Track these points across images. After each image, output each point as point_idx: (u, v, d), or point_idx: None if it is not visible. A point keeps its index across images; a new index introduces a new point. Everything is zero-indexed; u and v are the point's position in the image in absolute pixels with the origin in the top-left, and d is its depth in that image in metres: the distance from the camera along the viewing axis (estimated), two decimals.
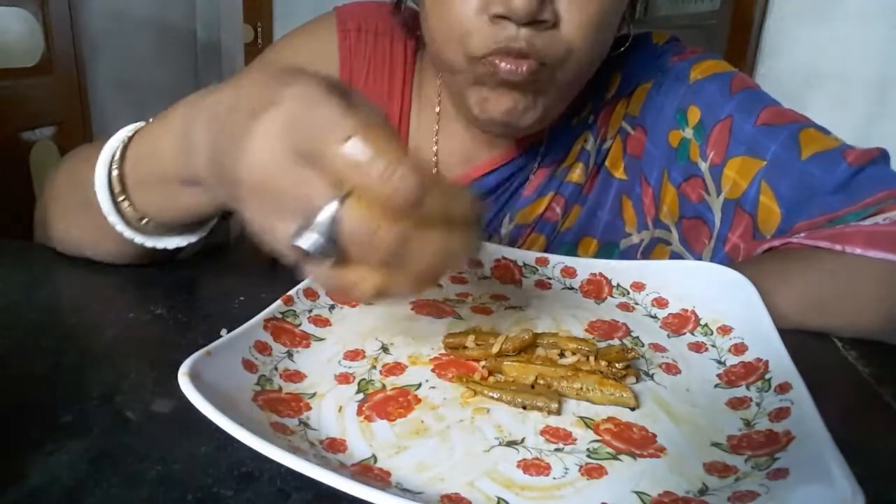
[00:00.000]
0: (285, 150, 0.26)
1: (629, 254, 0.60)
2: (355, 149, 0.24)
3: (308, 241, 0.24)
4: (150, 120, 0.41)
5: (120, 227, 0.41)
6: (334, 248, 0.24)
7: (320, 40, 0.60)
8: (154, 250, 0.44)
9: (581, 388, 0.31)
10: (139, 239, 0.42)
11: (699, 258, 0.55)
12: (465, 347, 0.34)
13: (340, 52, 0.59)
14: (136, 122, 0.42)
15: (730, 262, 0.52)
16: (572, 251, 0.60)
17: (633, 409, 0.30)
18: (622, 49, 0.58)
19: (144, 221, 0.42)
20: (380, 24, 0.60)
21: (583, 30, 0.46)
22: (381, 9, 0.61)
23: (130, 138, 0.41)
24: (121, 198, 0.41)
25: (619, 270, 0.45)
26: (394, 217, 0.24)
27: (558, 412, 0.29)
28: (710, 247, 0.54)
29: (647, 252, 0.59)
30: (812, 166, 0.49)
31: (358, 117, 0.25)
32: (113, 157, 0.41)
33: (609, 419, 0.29)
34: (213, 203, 0.39)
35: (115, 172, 0.40)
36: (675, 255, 0.57)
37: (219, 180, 0.31)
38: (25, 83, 1.75)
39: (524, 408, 0.30)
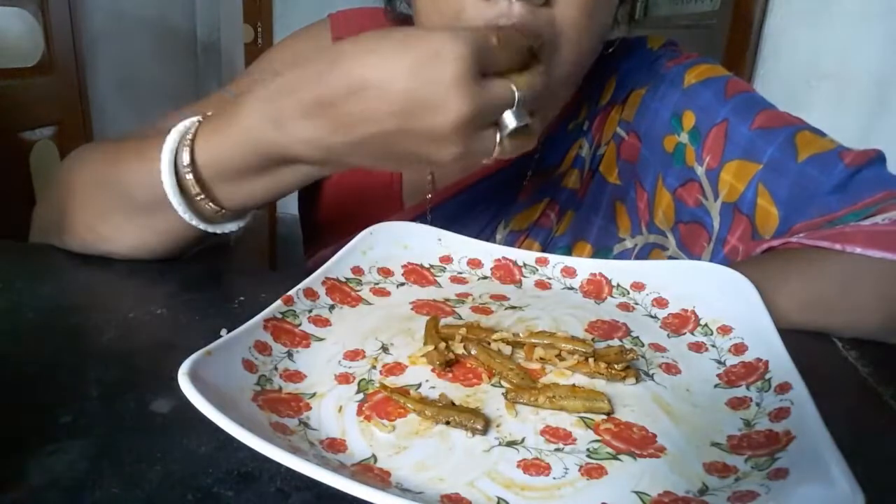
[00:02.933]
0: (472, 79, 0.34)
1: (622, 258, 0.60)
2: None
3: (516, 119, 0.37)
4: (202, 118, 0.43)
5: (195, 222, 0.44)
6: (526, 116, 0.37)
7: (315, 44, 0.60)
8: (193, 242, 0.47)
9: (553, 397, 0.30)
10: (208, 227, 0.45)
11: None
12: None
13: None
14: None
15: (729, 264, 0.52)
16: (566, 255, 0.60)
17: (608, 414, 0.30)
18: (612, 50, 0.58)
19: (222, 213, 0.44)
20: (374, 29, 0.60)
21: (576, 11, 0.45)
22: (374, 14, 0.62)
23: (192, 139, 0.42)
24: (199, 197, 0.42)
25: (619, 270, 0.45)
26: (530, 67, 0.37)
27: (484, 431, 0.28)
28: (708, 250, 0.54)
29: (642, 258, 0.59)
30: (809, 168, 0.49)
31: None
32: (176, 160, 0.42)
33: (609, 419, 0.29)
34: (312, 174, 0.43)
35: (188, 176, 0.42)
36: (672, 260, 0.57)
37: (351, 144, 0.37)
38: (25, 83, 1.76)
39: (447, 424, 0.28)
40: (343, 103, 0.35)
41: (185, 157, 0.41)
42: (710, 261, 0.54)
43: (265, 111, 0.38)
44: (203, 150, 0.42)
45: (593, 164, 0.60)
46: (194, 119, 0.43)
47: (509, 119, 0.36)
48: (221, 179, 0.42)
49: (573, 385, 0.32)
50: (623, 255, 0.60)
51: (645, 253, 0.59)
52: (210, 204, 0.43)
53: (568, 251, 0.60)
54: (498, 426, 0.29)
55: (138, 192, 0.44)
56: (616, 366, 0.32)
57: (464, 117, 0.34)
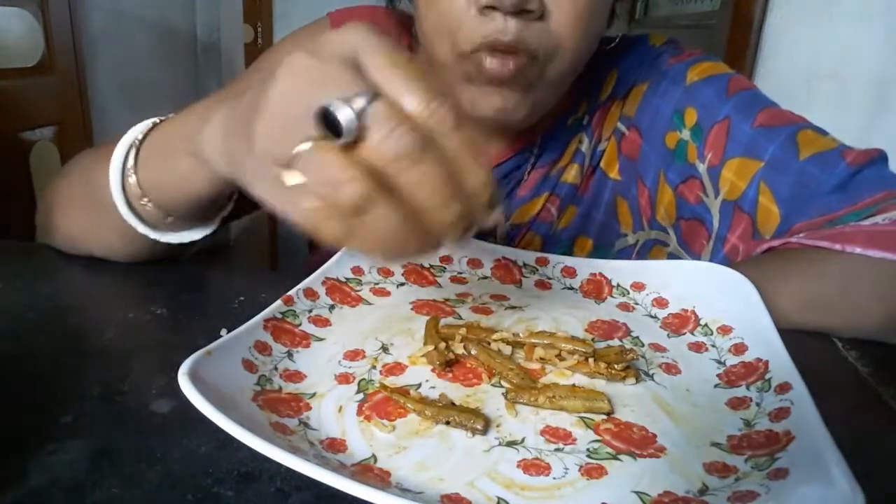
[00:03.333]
0: (332, 53, 0.27)
1: (624, 255, 0.60)
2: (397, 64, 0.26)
3: (343, 112, 0.24)
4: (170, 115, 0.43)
5: (125, 212, 0.42)
6: (354, 132, 0.24)
7: None
8: (158, 247, 0.45)
9: (553, 397, 0.30)
10: (150, 233, 0.43)
11: (698, 259, 0.55)
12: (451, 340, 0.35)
13: None
14: (137, 122, 0.43)
15: (729, 262, 0.52)
16: (567, 251, 0.61)
17: (608, 414, 0.30)
18: (611, 46, 0.58)
19: (145, 201, 0.42)
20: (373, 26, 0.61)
21: (571, 22, 0.46)
22: (373, 12, 0.62)
23: (149, 131, 0.42)
24: (130, 175, 0.42)
25: (619, 270, 0.45)
26: (416, 127, 0.25)
27: (484, 431, 0.28)
28: (708, 248, 0.54)
29: (644, 253, 0.59)
30: (811, 167, 0.49)
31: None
32: (131, 145, 0.42)
33: (609, 419, 0.29)
34: (209, 176, 0.38)
35: (129, 162, 0.42)
36: (673, 257, 0.57)
37: (234, 126, 0.32)
38: (25, 83, 1.75)
39: (447, 424, 0.28)
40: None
41: (137, 141, 0.42)
42: (710, 259, 0.54)
43: (213, 105, 0.37)
44: (152, 134, 0.42)
45: (593, 159, 0.60)
46: (155, 119, 0.43)
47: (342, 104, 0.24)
48: (149, 157, 0.42)
49: (573, 385, 0.32)
50: (625, 251, 0.60)
51: (646, 249, 0.59)
52: (136, 185, 0.42)
53: (569, 246, 0.60)
54: (498, 426, 0.29)
55: (103, 189, 0.43)
56: (616, 366, 0.32)
57: (296, 67, 0.27)
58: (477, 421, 0.28)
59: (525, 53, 0.46)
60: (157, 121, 0.43)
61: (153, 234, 0.43)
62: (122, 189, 0.42)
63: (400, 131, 0.24)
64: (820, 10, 1.46)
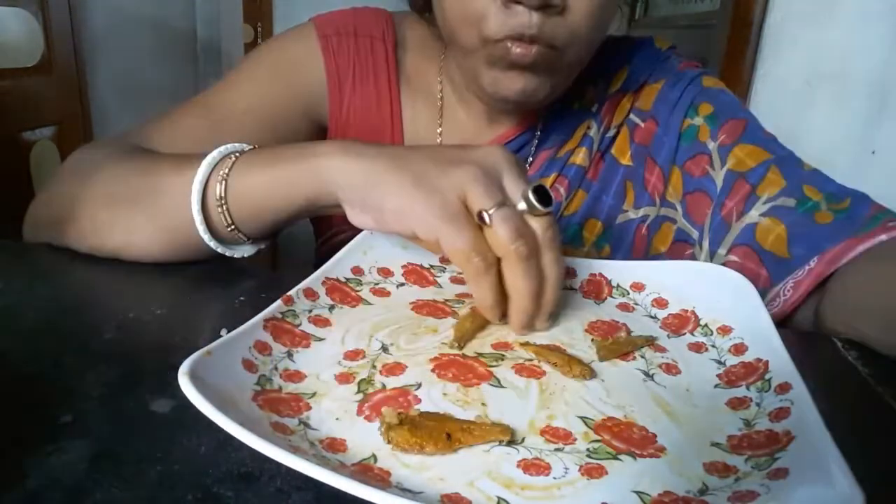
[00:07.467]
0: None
1: (626, 228, 0.62)
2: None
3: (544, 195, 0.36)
4: (240, 152, 0.44)
5: (221, 249, 0.45)
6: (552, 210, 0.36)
7: (303, 45, 0.62)
8: (200, 252, 0.46)
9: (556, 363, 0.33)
10: (210, 242, 0.44)
11: (701, 229, 0.56)
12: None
13: (324, 55, 0.61)
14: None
15: (725, 226, 0.54)
16: (577, 233, 0.62)
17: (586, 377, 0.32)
18: (617, 38, 0.62)
19: (223, 209, 0.44)
20: (358, 27, 0.62)
21: (587, 16, 0.49)
22: (356, 14, 0.64)
23: (227, 174, 0.43)
24: (230, 228, 0.44)
25: (618, 270, 0.45)
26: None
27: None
28: (709, 214, 0.56)
29: (654, 229, 0.61)
30: (816, 174, 0.53)
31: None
32: (203, 193, 0.43)
33: (609, 419, 0.29)
34: (310, 195, 0.42)
35: (219, 209, 0.43)
36: (680, 231, 0.59)
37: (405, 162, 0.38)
38: (25, 83, 1.75)
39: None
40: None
41: (219, 191, 0.43)
42: (708, 224, 0.56)
43: (340, 143, 0.41)
44: (239, 177, 0.43)
45: (602, 145, 0.62)
46: (230, 149, 0.44)
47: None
48: (252, 166, 0.43)
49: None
50: (627, 226, 0.62)
51: (657, 225, 0.61)
52: (220, 185, 0.43)
53: (579, 229, 0.62)
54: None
55: (158, 188, 0.45)
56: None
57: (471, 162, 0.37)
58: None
59: (545, 44, 0.49)
60: (246, 148, 0.45)
61: (212, 244, 0.44)
62: (202, 193, 0.43)
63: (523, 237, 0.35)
64: (820, 10, 1.46)
